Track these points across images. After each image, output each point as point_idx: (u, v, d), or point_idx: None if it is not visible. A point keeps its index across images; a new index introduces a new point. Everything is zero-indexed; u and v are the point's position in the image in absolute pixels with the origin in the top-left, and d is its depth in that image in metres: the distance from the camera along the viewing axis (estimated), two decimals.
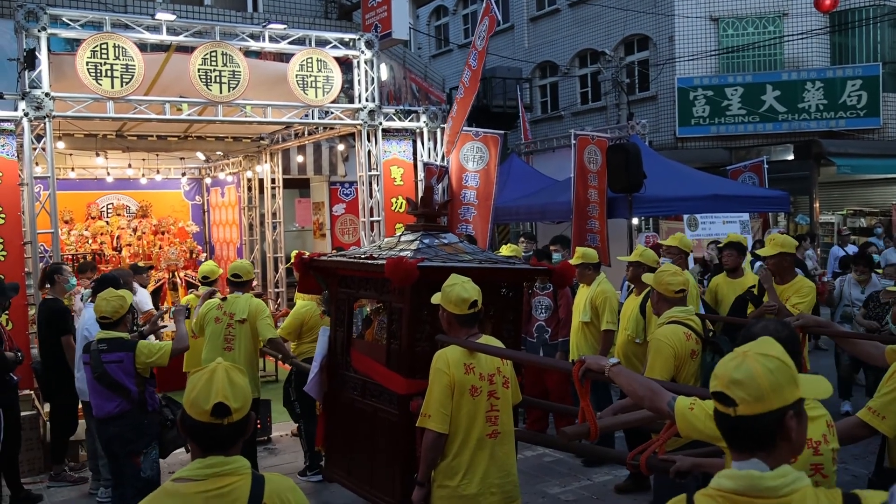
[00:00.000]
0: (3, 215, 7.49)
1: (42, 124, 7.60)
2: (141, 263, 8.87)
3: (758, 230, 12.67)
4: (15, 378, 6.03)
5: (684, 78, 18.21)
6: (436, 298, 3.78)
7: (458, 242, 4.68)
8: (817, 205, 18.16)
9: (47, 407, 7.05)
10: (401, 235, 4.79)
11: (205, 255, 13.23)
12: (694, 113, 18.22)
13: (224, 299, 6.28)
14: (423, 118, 9.81)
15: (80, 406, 6.65)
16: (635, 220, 11.40)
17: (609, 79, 19.31)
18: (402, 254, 4.27)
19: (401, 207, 9.75)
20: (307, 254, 5.24)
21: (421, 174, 9.86)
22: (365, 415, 4.51)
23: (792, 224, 17.11)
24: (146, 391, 4.94)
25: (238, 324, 6.17)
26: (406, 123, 9.73)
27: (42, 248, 7.98)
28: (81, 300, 7.13)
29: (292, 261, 6.38)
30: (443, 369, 3.61)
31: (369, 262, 4.33)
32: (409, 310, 4.15)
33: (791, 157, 17.81)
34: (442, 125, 9.95)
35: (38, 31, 7.45)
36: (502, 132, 10.98)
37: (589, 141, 10.73)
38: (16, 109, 7.50)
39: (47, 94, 7.49)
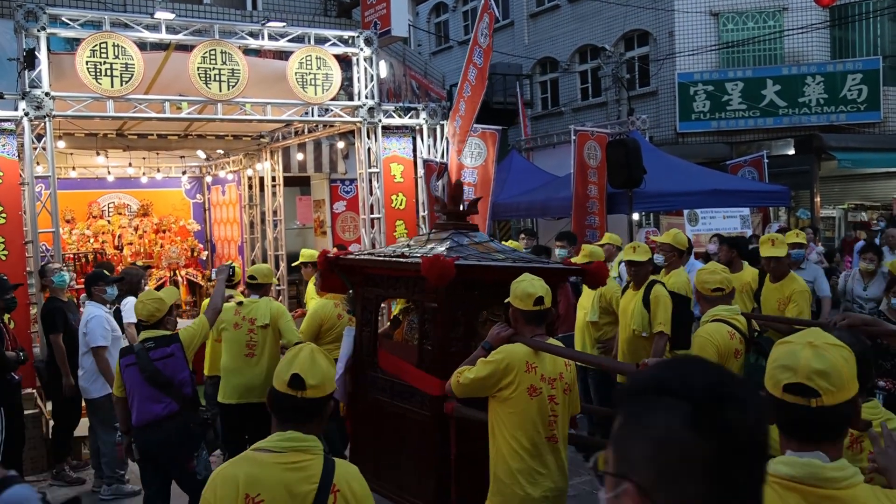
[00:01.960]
0: (3, 215, 7.51)
1: (42, 124, 7.62)
2: (140, 262, 8.66)
3: (758, 225, 12.67)
4: (16, 377, 6.05)
5: (684, 73, 18.19)
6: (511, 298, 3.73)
7: (488, 241, 4.58)
8: (818, 199, 18.14)
9: (50, 405, 7.07)
10: (430, 234, 4.70)
11: (206, 252, 13.27)
12: (694, 108, 18.20)
13: (241, 303, 5.94)
14: (423, 115, 9.82)
15: (84, 403, 6.68)
16: (635, 216, 11.41)
17: (609, 74, 19.30)
18: (435, 252, 4.16)
19: (401, 205, 9.76)
20: (332, 252, 5.07)
21: (421, 171, 9.87)
22: (394, 416, 4.39)
23: (793, 218, 17.10)
24: (193, 386, 4.86)
25: (261, 329, 5.82)
26: (406, 120, 9.74)
27: (44, 247, 8.01)
28: (80, 301, 7.16)
29: (315, 259, 6.21)
30: (500, 358, 3.52)
31: (402, 260, 4.20)
32: (444, 309, 4.04)
33: (792, 151, 17.80)
34: (442, 122, 9.94)
35: (38, 30, 7.47)
36: (500, 128, 10.98)
37: (589, 137, 10.75)
38: (16, 109, 7.52)
39: (47, 94, 7.51)
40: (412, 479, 4.24)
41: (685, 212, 11.43)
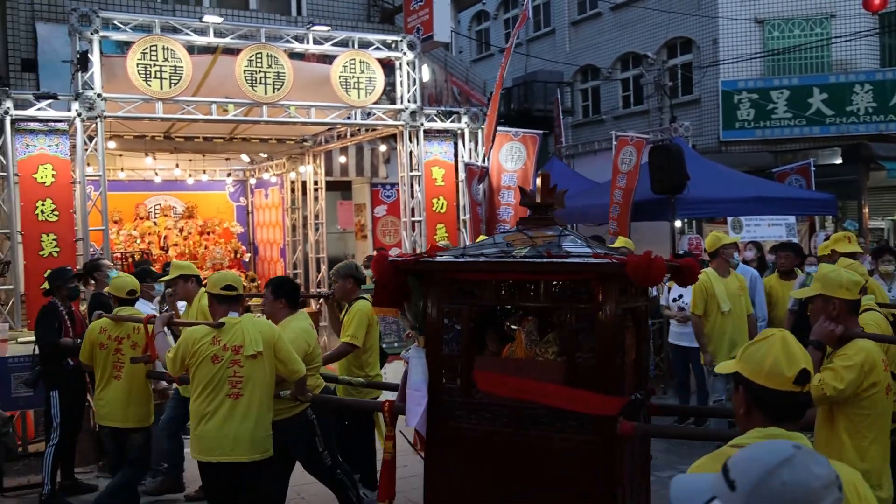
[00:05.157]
0: (56, 213, 7.72)
1: (94, 125, 7.81)
2: (154, 268, 7.53)
3: (805, 234, 12.44)
4: (70, 363, 6.12)
5: (728, 81, 17.98)
6: (808, 291, 3.46)
7: (587, 237, 4.20)
8: (866, 210, 17.75)
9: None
10: (525, 230, 4.06)
11: (249, 255, 13.46)
12: (738, 116, 17.97)
13: (221, 325, 4.45)
14: (465, 119, 9.85)
15: None
16: (678, 223, 11.28)
17: (651, 82, 19.16)
18: (561, 250, 3.71)
19: (442, 208, 9.80)
20: (396, 253, 4.29)
21: (462, 175, 9.90)
22: (524, 448, 3.76)
23: (840, 229, 16.76)
24: None
25: (248, 360, 4.37)
26: (447, 124, 9.78)
27: (92, 246, 8.19)
28: None
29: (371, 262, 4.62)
30: (862, 359, 3.24)
31: (577, 261, 3.60)
32: (607, 316, 3.56)
33: (839, 160, 17.46)
34: (483, 126, 9.98)
35: (91, 33, 7.67)
36: (540, 132, 10.97)
37: (627, 142, 10.68)
38: (69, 110, 7.73)
39: (99, 95, 7.71)
40: None
41: (729, 219, 11.28)
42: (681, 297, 7.76)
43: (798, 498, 1.38)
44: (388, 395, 4.90)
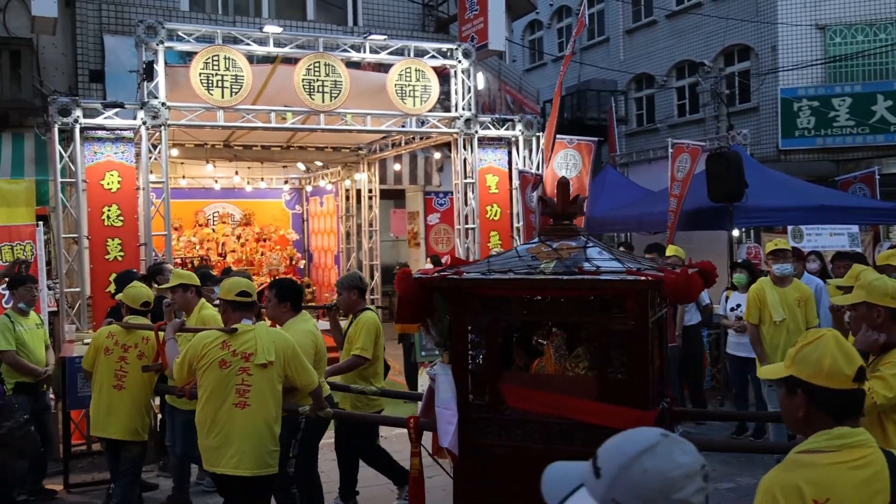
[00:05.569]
0: (121, 218, 7.95)
1: (158, 132, 8.04)
2: (215, 272, 7.63)
3: (868, 243, 12.09)
4: None
5: (788, 88, 17.60)
6: (851, 298, 3.47)
7: (610, 247, 4.19)
8: None
9: (157, 400, 7.36)
10: (546, 240, 4.05)
11: (304, 262, 13.65)
12: (798, 124, 17.57)
13: (234, 330, 4.32)
14: (519, 126, 9.85)
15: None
16: (736, 232, 11.08)
17: (708, 90, 18.86)
18: (593, 265, 3.67)
19: (496, 216, 9.81)
20: (422, 269, 4.26)
21: (516, 182, 9.89)
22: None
23: None
24: None
25: (258, 368, 4.24)
26: (502, 132, 9.79)
27: (154, 251, 8.41)
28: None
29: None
30: None
31: (597, 278, 3.58)
32: (640, 331, 3.57)
33: None
34: (538, 133, 9.96)
35: (157, 44, 7.90)
36: (595, 139, 10.91)
37: (683, 149, 10.55)
38: (135, 118, 7.97)
39: (163, 104, 7.93)
40: None
41: (789, 228, 11.03)
42: (739, 306, 7.62)
43: (658, 486, 1.34)
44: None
